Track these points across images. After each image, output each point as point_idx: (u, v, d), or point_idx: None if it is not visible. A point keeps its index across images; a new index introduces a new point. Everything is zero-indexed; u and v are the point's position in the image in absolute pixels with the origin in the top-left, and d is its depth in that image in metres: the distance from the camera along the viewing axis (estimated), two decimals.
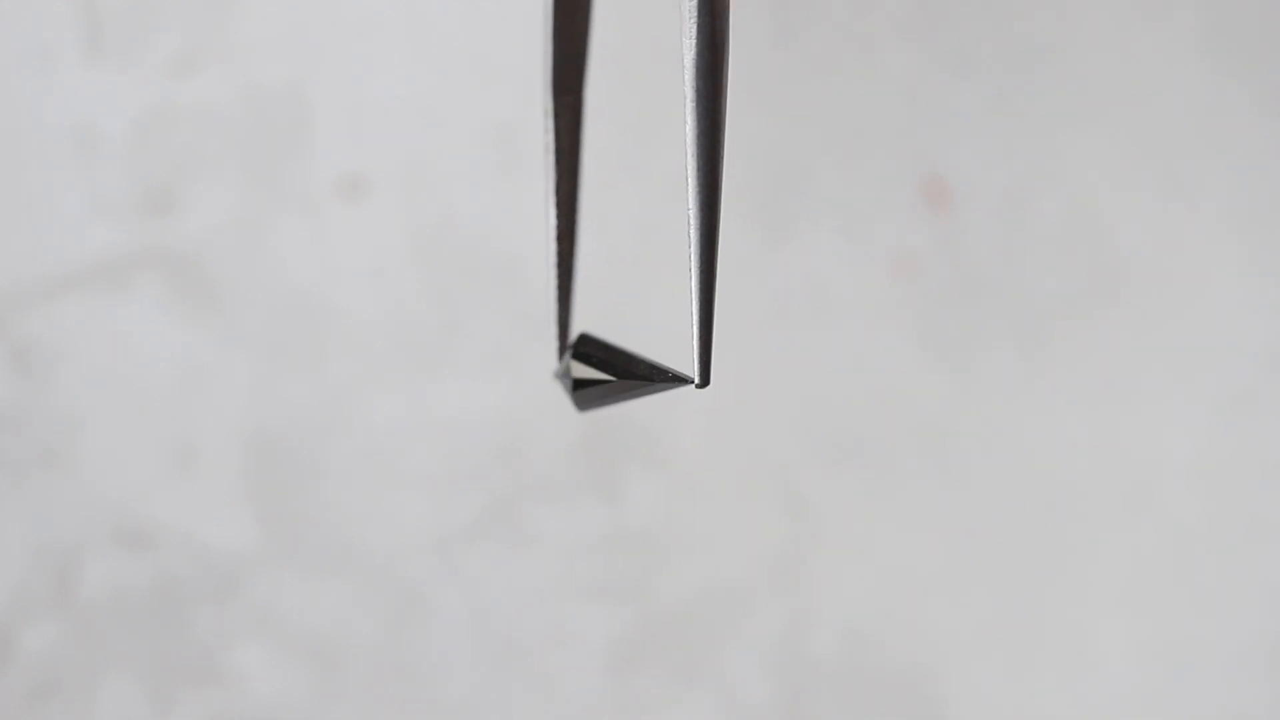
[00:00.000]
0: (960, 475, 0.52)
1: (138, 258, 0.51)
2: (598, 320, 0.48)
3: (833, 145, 0.52)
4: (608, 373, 0.33)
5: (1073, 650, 0.52)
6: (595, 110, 0.50)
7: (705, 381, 0.31)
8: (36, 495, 0.51)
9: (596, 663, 0.52)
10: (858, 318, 0.52)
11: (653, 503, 0.52)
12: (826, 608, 0.52)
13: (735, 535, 0.52)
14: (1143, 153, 0.52)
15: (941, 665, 0.52)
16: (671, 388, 0.31)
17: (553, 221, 0.35)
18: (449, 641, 0.51)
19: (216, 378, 0.51)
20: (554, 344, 0.35)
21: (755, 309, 0.51)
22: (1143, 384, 0.52)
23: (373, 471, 0.51)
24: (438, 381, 0.51)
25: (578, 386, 0.33)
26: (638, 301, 0.51)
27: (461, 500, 0.51)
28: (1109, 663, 0.52)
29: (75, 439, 0.51)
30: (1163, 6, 0.51)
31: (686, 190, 0.31)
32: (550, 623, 0.52)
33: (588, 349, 0.33)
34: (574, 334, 0.35)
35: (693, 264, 0.31)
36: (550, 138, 0.35)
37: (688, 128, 0.30)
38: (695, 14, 0.30)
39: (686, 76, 0.30)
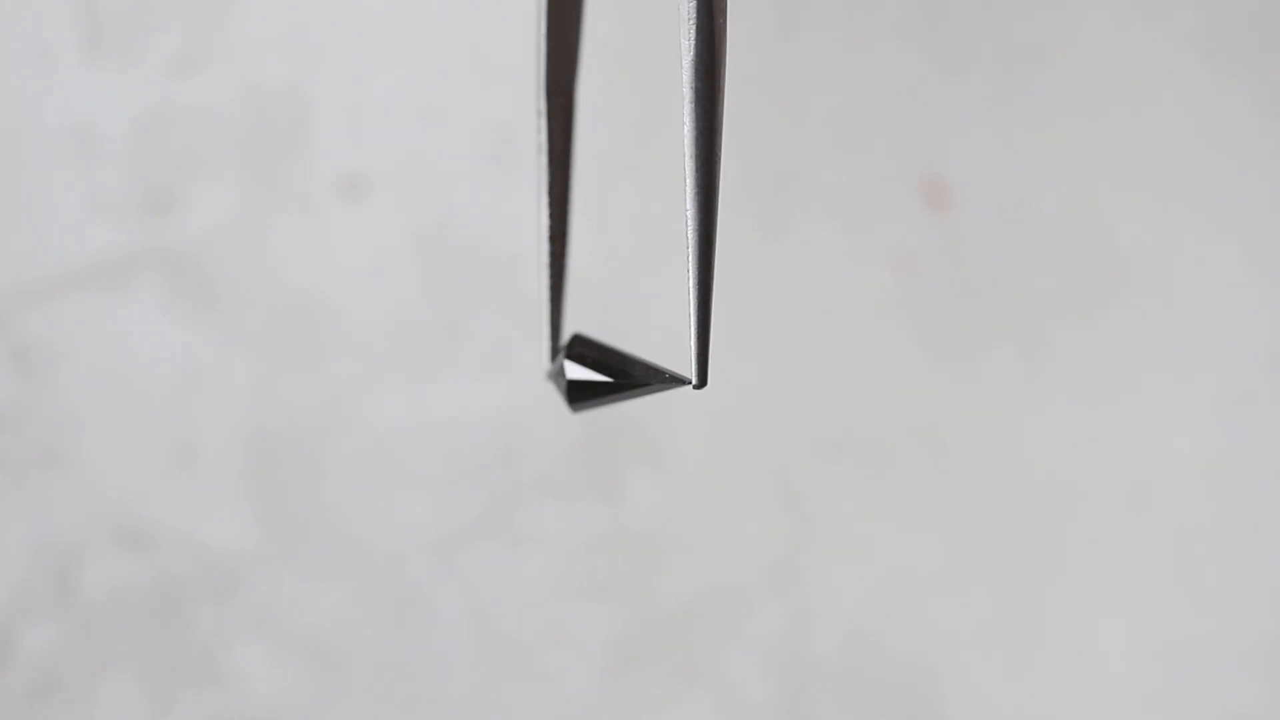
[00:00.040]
0: (960, 475, 0.52)
1: (138, 258, 0.51)
2: (594, 320, 0.48)
3: (833, 145, 0.52)
4: (603, 374, 0.33)
5: (1073, 650, 0.52)
6: (594, 110, 0.50)
7: (703, 382, 0.31)
8: (36, 495, 0.51)
9: (596, 663, 0.52)
10: (858, 318, 0.52)
11: (653, 503, 0.52)
12: (826, 608, 0.52)
13: (735, 535, 0.52)
14: (1143, 153, 0.52)
15: (941, 665, 0.52)
16: (668, 389, 0.31)
17: (545, 222, 0.35)
18: (449, 641, 0.52)
19: (216, 378, 0.51)
20: (546, 345, 0.35)
21: (754, 309, 0.51)
22: (1143, 384, 0.52)
23: (373, 471, 0.51)
24: (438, 381, 0.51)
25: (572, 388, 0.33)
26: (635, 302, 0.51)
27: (461, 500, 0.51)
28: (1109, 663, 0.52)
29: (75, 439, 0.51)
30: (1163, 6, 0.51)
31: (684, 190, 0.31)
32: (550, 623, 0.52)
33: (582, 350, 0.33)
34: (566, 335, 0.35)
35: (691, 264, 0.31)
36: (543, 138, 0.35)
37: (686, 128, 0.30)
38: (694, 14, 0.30)
39: (685, 76, 0.30)
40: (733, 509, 0.52)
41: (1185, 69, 0.51)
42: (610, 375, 0.32)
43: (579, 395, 0.33)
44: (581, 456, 0.52)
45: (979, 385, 0.52)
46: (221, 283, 0.51)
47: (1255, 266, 0.51)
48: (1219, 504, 0.52)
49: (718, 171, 0.30)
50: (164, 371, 0.51)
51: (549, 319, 0.35)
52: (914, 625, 0.52)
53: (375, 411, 0.51)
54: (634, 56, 0.51)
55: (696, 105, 0.30)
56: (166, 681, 0.51)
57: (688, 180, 0.30)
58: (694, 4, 0.30)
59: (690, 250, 0.31)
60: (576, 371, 0.33)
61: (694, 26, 0.30)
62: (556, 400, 0.34)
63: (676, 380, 0.31)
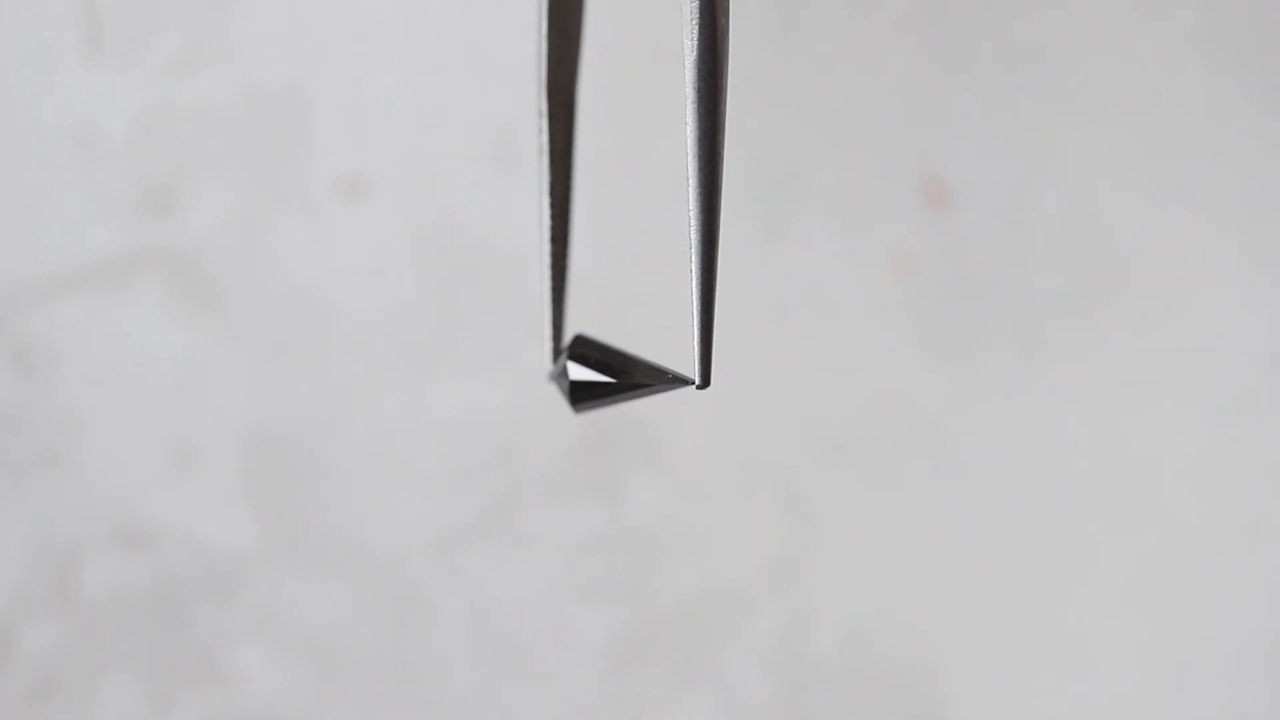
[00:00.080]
0: (960, 475, 0.52)
1: (138, 258, 0.51)
2: (596, 320, 0.48)
3: (833, 145, 0.52)
4: (606, 374, 0.33)
5: (1073, 650, 0.52)
6: (596, 110, 0.50)
7: (706, 382, 0.31)
8: (36, 495, 0.51)
9: (596, 663, 0.52)
10: (858, 318, 0.52)
11: (653, 503, 0.52)
12: (826, 608, 0.52)
13: (735, 535, 0.52)
14: (1143, 153, 0.52)
15: (941, 665, 0.52)
16: (671, 389, 0.31)
17: (546, 222, 0.35)
18: (449, 641, 0.51)
19: (216, 378, 0.51)
20: (547, 345, 0.35)
21: (755, 309, 0.51)
22: (1143, 384, 0.52)
23: (373, 471, 0.51)
24: (438, 381, 0.51)
25: (575, 388, 0.33)
26: (637, 302, 0.51)
27: (461, 500, 0.51)
28: (1109, 663, 0.52)
29: (75, 439, 0.51)
30: (1163, 6, 0.51)
31: (687, 190, 0.31)
32: (550, 623, 0.52)
33: (584, 350, 0.33)
34: (567, 336, 0.35)
35: (693, 264, 0.31)
36: (544, 138, 0.35)
37: (688, 128, 0.30)
38: (696, 14, 0.30)
39: (687, 77, 0.30)
40: (733, 509, 0.52)
41: (1185, 69, 0.51)
42: (613, 376, 0.32)
43: (582, 396, 0.33)
44: (582, 457, 0.52)
45: (979, 385, 0.52)
46: (221, 283, 0.51)
47: (1255, 266, 0.52)
48: (1219, 504, 0.52)
49: (720, 171, 0.31)
50: (164, 371, 0.51)
51: (550, 320, 0.35)
52: (914, 625, 0.52)
53: (375, 411, 0.51)
54: (635, 56, 0.51)
55: (699, 105, 0.30)
56: (166, 681, 0.51)
57: (690, 180, 0.30)
58: (696, 4, 0.30)
59: (693, 250, 0.31)
60: (579, 372, 0.33)
61: (696, 27, 0.30)
62: (557, 400, 0.34)
63: (679, 380, 0.31)
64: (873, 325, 0.52)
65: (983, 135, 0.51)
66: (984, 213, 0.52)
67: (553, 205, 0.35)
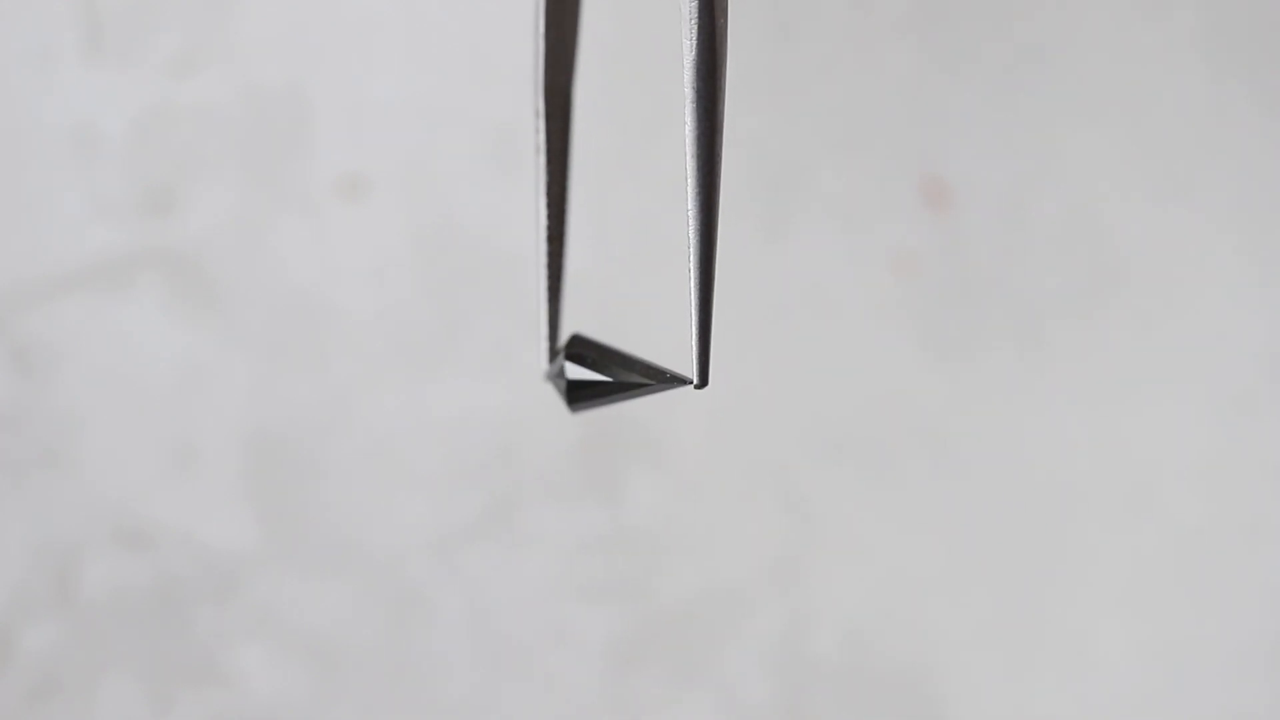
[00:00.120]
0: (960, 475, 0.52)
1: (138, 258, 0.51)
2: (595, 320, 0.48)
3: (833, 145, 0.52)
4: (603, 374, 0.33)
5: (1073, 650, 0.52)
6: (595, 110, 0.50)
7: (704, 382, 0.31)
8: (36, 495, 0.51)
9: (596, 663, 0.52)
10: (858, 318, 0.52)
11: (653, 503, 0.52)
12: (826, 608, 0.52)
13: (735, 535, 0.52)
14: (1143, 153, 0.52)
15: (941, 665, 0.52)
16: (669, 389, 0.31)
17: (543, 222, 0.35)
18: (449, 641, 0.52)
19: (216, 378, 0.51)
20: (544, 345, 0.35)
21: (755, 309, 0.51)
22: (1143, 384, 0.52)
23: (373, 471, 0.51)
24: (438, 381, 0.51)
25: (572, 388, 0.33)
26: (635, 302, 0.51)
27: (461, 500, 0.51)
28: (1109, 663, 0.52)
29: (75, 439, 0.51)
30: (1163, 6, 0.51)
31: (685, 190, 0.31)
32: (550, 623, 0.52)
33: (581, 350, 0.33)
34: (564, 335, 0.35)
35: (692, 264, 0.31)
36: (541, 138, 0.35)
37: (687, 128, 0.30)
38: (695, 14, 0.30)
39: (686, 77, 0.30)
40: (733, 509, 0.52)
41: (1185, 69, 0.51)
42: (610, 375, 0.32)
43: (578, 396, 0.33)
44: (582, 457, 0.52)
45: (979, 385, 0.52)
46: (221, 283, 0.51)
47: (1255, 267, 0.52)
48: (1219, 504, 0.52)
49: (719, 171, 0.31)
50: (164, 371, 0.51)
51: (547, 319, 0.35)
52: (914, 625, 0.52)
53: (375, 411, 0.51)
54: (634, 56, 0.51)
55: (698, 105, 0.30)
56: (166, 681, 0.51)
57: (689, 180, 0.30)
58: (695, 4, 0.30)
59: (691, 250, 0.31)
60: (576, 372, 0.33)
61: (695, 26, 0.30)
62: (557, 400, 0.34)
63: (677, 380, 0.31)
64: (873, 325, 0.52)
65: (983, 135, 0.51)
66: (984, 213, 0.52)
67: (549, 205, 0.35)
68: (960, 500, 0.52)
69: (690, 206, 0.31)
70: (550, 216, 0.35)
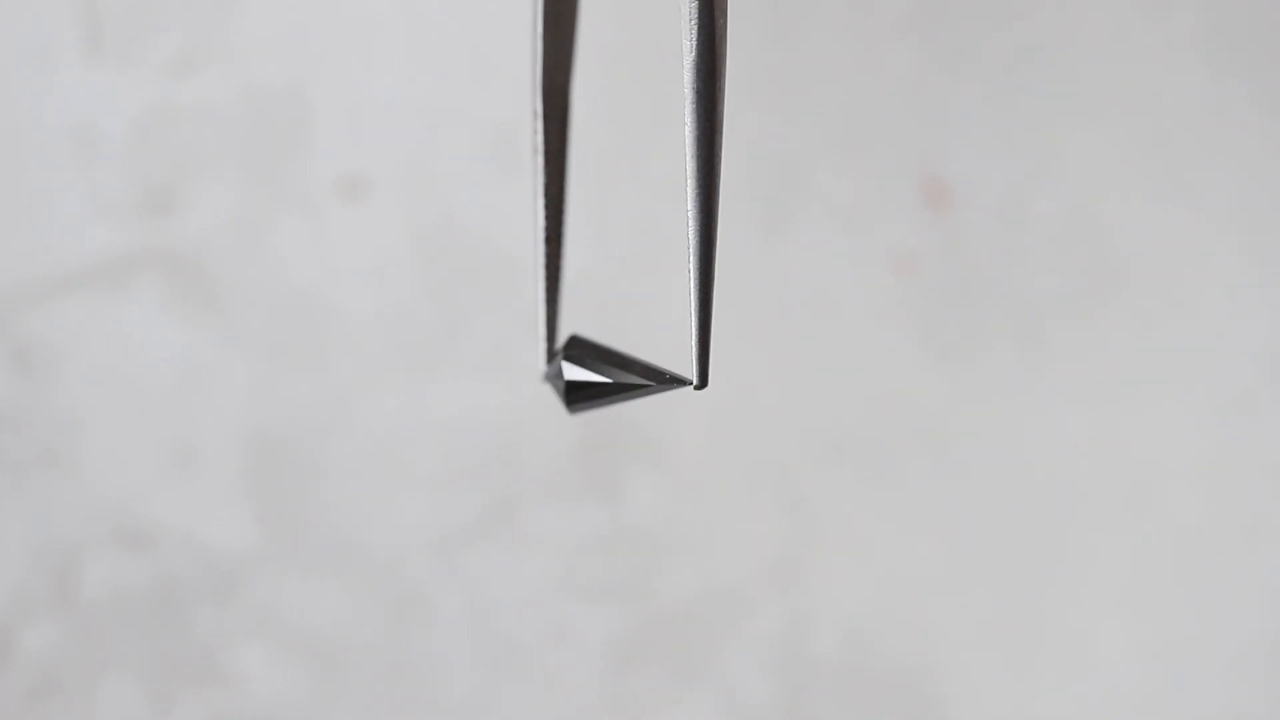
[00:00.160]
0: (960, 475, 0.52)
1: (138, 258, 0.51)
2: (594, 321, 0.48)
3: (833, 145, 0.52)
4: (602, 375, 0.33)
5: (1073, 650, 0.52)
6: (595, 111, 0.50)
7: (704, 383, 0.31)
8: (36, 495, 0.51)
9: (596, 662, 0.52)
10: (858, 318, 0.52)
11: (653, 503, 0.52)
12: (826, 608, 0.52)
13: (735, 535, 0.52)
14: (1143, 153, 0.52)
15: (941, 665, 0.52)
16: (668, 389, 0.31)
17: (541, 223, 0.35)
18: (449, 641, 0.52)
19: (216, 378, 0.51)
20: (541, 346, 0.35)
21: (755, 309, 0.51)
22: (1143, 384, 0.52)
23: (373, 471, 0.51)
24: (438, 381, 0.51)
25: (571, 389, 0.33)
26: (635, 302, 0.51)
27: (461, 500, 0.52)
28: (1109, 663, 0.52)
29: (75, 439, 0.51)
30: (1163, 6, 0.51)
31: (685, 191, 0.31)
32: (550, 623, 0.52)
33: (579, 351, 0.33)
34: (561, 336, 0.35)
35: (691, 264, 0.31)
36: (539, 139, 0.35)
37: (687, 128, 0.30)
38: (695, 14, 0.30)
39: (686, 77, 0.30)
40: (733, 509, 0.52)
41: (1185, 69, 0.51)
42: (608, 376, 0.32)
43: (577, 397, 0.33)
44: (582, 457, 0.52)
45: (979, 385, 0.52)
46: (221, 283, 0.51)
47: (1255, 267, 0.52)
48: (1219, 504, 0.52)
49: (718, 172, 0.31)
50: (164, 371, 0.51)
51: (544, 320, 0.35)
52: (914, 625, 0.52)
53: (375, 411, 0.51)
54: (634, 56, 0.51)
55: (697, 105, 0.30)
56: (166, 681, 0.51)
57: (688, 180, 0.30)
58: (695, 4, 0.30)
59: (691, 251, 0.31)
60: (574, 373, 0.33)
61: (695, 27, 0.30)
62: (557, 401, 0.34)
63: (677, 381, 0.31)
64: (873, 325, 0.52)
65: (983, 135, 0.51)
66: (984, 213, 0.52)
67: (547, 206, 0.35)
68: (960, 500, 0.52)
69: (690, 207, 0.31)
70: (548, 217, 0.35)
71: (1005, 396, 0.52)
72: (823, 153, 0.52)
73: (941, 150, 0.51)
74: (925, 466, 0.52)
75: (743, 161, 0.51)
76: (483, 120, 0.51)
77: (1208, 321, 0.52)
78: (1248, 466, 0.52)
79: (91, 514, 0.51)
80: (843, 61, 0.52)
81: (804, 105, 0.52)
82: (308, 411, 0.51)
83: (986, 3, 0.52)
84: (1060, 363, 0.52)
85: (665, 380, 0.31)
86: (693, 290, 0.31)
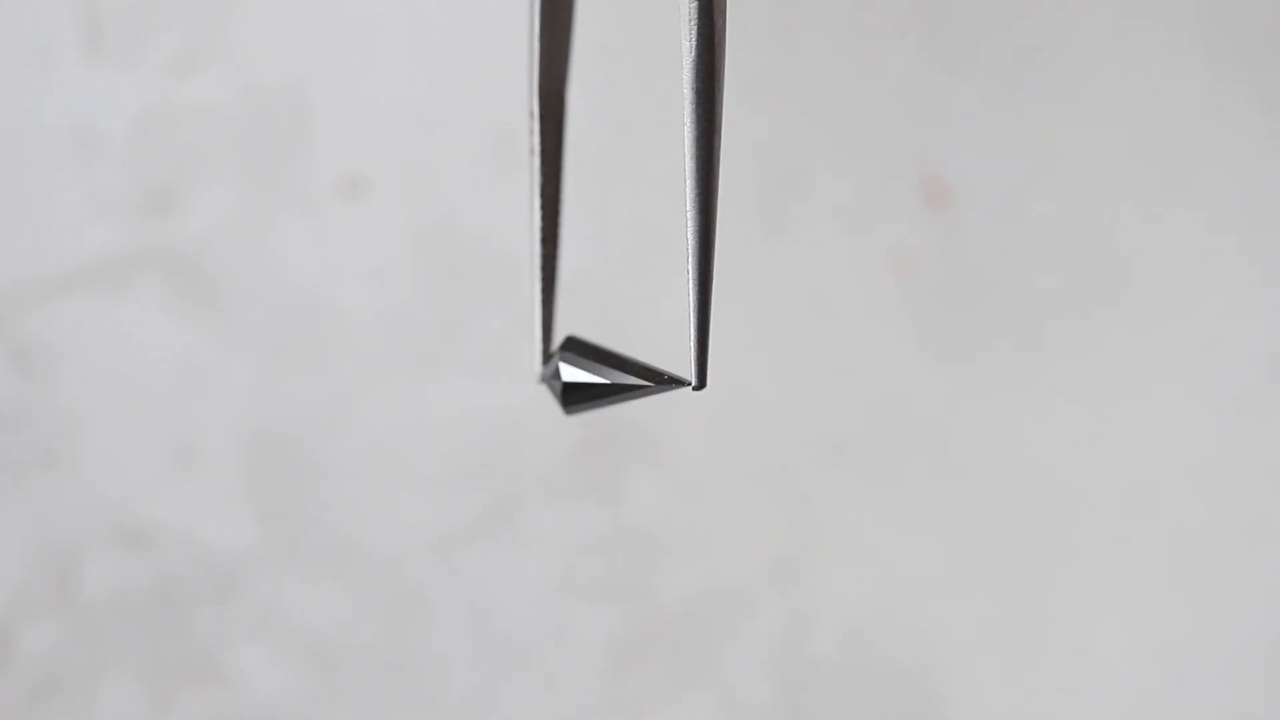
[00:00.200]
0: (960, 475, 0.52)
1: (138, 258, 0.51)
2: (593, 321, 0.48)
3: (833, 145, 0.52)
4: (599, 376, 0.32)
5: (1073, 650, 0.52)
6: (594, 111, 0.50)
7: (702, 383, 0.31)
8: (36, 495, 0.51)
9: (596, 662, 0.52)
10: (858, 318, 0.52)
11: (653, 503, 0.52)
12: (826, 608, 0.52)
13: (735, 535, 0.52)
14: (1142, 153, 0.51)
15: (941, 665, 0.52)
16: (665, 390, 0.31)
17: (537, 224, 0.35)
18: (449, 641, 0.52)
19: (216, 378, 0.51)
20: (537, 347, 0.35)
21: (754, 309, 0.51)
22: (1143, 384, 0.52)
23: (373, 471, 0.51)
24: (437, 381, 0.51)
25: (567, 390, 0.33)
26: (634, 303, 0.51)
27: (461, 500, 0.52)
28: (1109, 663, 0.52)
29: (75, 439, 0.51)
30: (1163, 6, 0.51)
31: (684, 191, 0.31)
32: (550, 623, 0.52)
33: (576, 352, 0.33)
34: (558, 338, 0.35)
35: (690, 264, 0.31)
36: (535, 140, 0.35)
37: (686, 128, 0.30)
38: (694, 15, 0.30)
39: (685, 77, 0.30)
40: (733, 509, 0.52)
41: (1185, 69, 0.51)
42: (605, 377, 0.32)
43: (574, 398, 0.33)
44: (582, 457, 0.52)
45: (979, 385, 0.52)
46: (221, 283, 0.51)
47: (1255, 267, 0.51)
48: (1219, 504, 0.52)
49: (717, 172, 0.31)
50: (164, 371, 0.51)
51: (540, 321, 0.35)
52: (914, 625, 0.52)
53: (375, 411, 0.51)
54: (633, 57, 0.51)
55: (696, 105, 0.30)
56: (166, 681, 0.51)
57: (687, 181, 0.30)
58: (695, 4, 0.30)
59: (690, 251, 0.31)
60: (571, 373, 0.33)
61: (694, 27, 0.30)
62: (555, 401, 0.34)
63: (674, 381, 0.31)
64: (873, 325, 0.52)
65: (983, 135, 0.51)
66: (984, 213, 0.52)
67: (544, 207, 0.35)
68: (960, 500, 0.52)
69: (689, 207, 0.31)
70: (544, 218, 0.35)
71: (1005, 396, 0.52)
72: (823, 153, 0.51)
73: (941, 150, 0.51)
74: (925, 466, 0.52)
75: (743, 161, 0.51)
76: (482, 120, 0.51)
77: (1208, 321, 0.52)
78: (1248, 466, 0.52)
79: (91, 514, 0.51)
80: (843, 61, 0.52)
81: (804, 105, 0.52)
82: (308, 411, 0.51)
83: (986, 3, 0.52)
84: (1060, 363, 0.51)
85: (663, 381, 0.31)
86: (691, 291, 0.31)
